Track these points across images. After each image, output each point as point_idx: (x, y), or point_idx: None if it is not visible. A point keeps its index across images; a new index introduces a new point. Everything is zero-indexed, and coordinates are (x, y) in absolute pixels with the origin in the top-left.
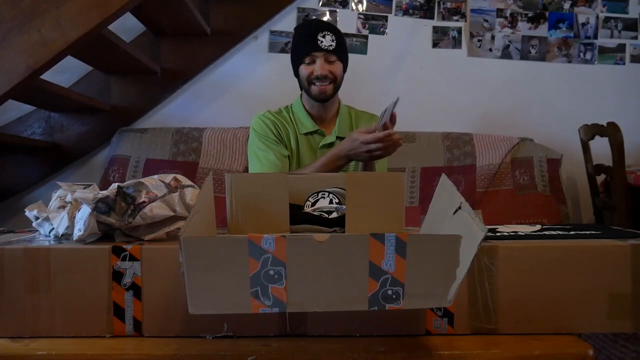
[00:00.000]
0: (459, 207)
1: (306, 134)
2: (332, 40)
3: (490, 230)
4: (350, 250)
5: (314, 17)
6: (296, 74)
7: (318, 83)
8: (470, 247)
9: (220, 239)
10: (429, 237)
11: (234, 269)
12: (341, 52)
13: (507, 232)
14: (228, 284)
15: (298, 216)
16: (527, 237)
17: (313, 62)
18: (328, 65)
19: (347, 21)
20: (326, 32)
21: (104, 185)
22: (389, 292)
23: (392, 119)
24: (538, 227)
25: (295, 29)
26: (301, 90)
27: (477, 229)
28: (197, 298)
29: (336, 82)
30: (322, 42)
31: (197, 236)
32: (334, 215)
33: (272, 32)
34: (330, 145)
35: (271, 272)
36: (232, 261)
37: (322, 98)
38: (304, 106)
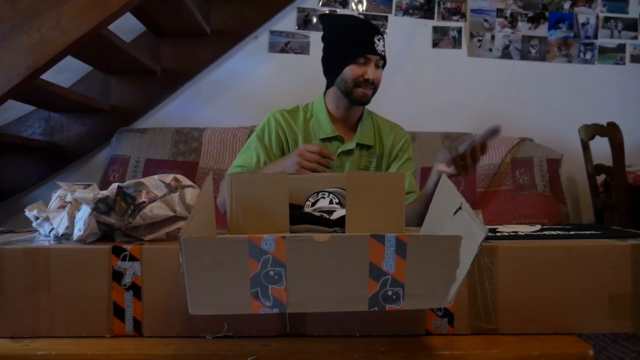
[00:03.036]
0: (459, 208)
1: (324, 139)
2: (384, 46)
3: (490, 230)
4: (351, 251)
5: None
6: (332, 71)
7: (364, 86)
8: (470, 248)
9: (221, 239)
10: (429, 238)
11: (234, 269)
12: (385, 59)
13: (507, 232)
14: (228, 284)
15: (298, 216)
16: (527, 237)
17: (366, 64)
18: (377, 71)
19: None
20: (380, 36)
21: (104, 185)
22: (389, 292)
23: (483, 148)
24: (538, 227)
25: (330, 22)
26: (326, 89)
27: (477, 230)
28: (197, 299)
29: (376, 89)
30: (377, 45)
31: (197, 237)
32: (335, 215)
33: (272, 32)
34: (349, 152)
35: (271, 273)
36: (232, 262)
37: (364, 101)
38: (326, 108)
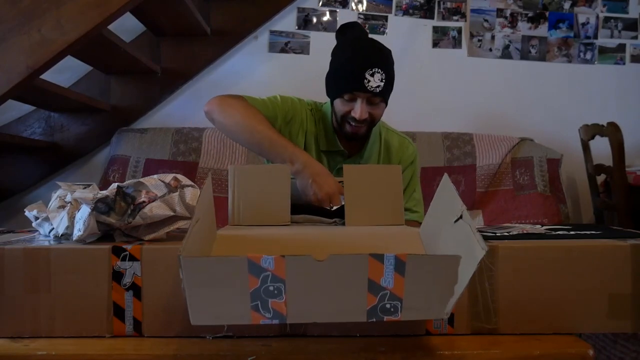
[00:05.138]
0: (460, 217)
1: (326, 152)
2: (381, 80)
3: (499, 228)
4: (350, 269)
5: (362, 34)
6: (329, 97)
7: (353, 123)
8: (469, 265)
9: (220, 259)
10: (428, 258)
11: (234, 285)
12: (387, 92)
13: (512, 232)
14: (229, 298)
15: (298, 207)
16: (527, 237)
17: (353, 100)
18: (369, 107)
19: (347, 21)
20: (376, 70)
21: (103, 185)
22: (387, 305)
23: None
24: (538, 227)
25: (340, 41)
26: (331, 120)
27: (477, 246)
28: (199, 311)
29: (373, 124)
30: (369, 81)
31: (197, 256)
32: (335, 207)
33: (272, 32)
34: None
35: (271, 288)
36: (232, 278)
37: (354, 138)
38: (332, 119)
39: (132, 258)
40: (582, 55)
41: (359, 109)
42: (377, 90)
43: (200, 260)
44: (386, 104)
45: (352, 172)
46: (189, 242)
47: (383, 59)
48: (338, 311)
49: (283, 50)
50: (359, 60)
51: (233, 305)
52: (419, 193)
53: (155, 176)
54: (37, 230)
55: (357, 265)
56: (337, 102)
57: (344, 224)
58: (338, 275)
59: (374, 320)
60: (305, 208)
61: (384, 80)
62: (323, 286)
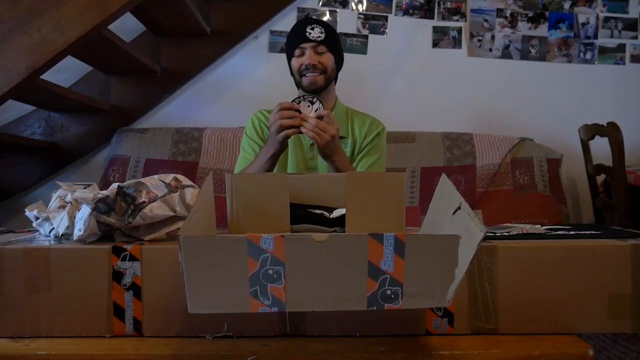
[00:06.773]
0: (459, 207)
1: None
2: (321, 32)
3: (500, 228)
4: (349, 250)
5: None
6: (291, 70)
7: (308, 74)
8: (469, 247)
9: (220, 238)
10: (428, 237)
11: (233, 268)
12: (331, 44)
13: (512, 232)
14: (227, 283)
15: (299, 215)
16: (527, 237)
17: (303, 54)
18: (317, 56)
19: (347, 21)
20: (315, 25)
21: (104, 185)
22: (388, 292)
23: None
24: (538, 227)
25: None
26: (298, 88)
27: (476, 230)
28: (197, 297)
29: (327, 74)
30: (310, 33)
31: (197, 235)
32: (336, 214)
33: (272, 32)
34: None
35: (270, 272)
36: (232, 260)
37: (314, 88)
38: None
39: (132, 258)
40: (582, 55)
41: (307, 56)
42: (319, 39)
43: (200, 240)
44: (336, 58)
45: (354, 181)
46: (189, 226)
47: (322, 21)
48: (338, 298)
49: (283, 50)
50: (300, 22)
51: (232, 290)
52: (382, 165)
53: (155, 176)
54: (38, 230)
55: (357, 246)
56: (292, 63)
57: (344, 232)
58: (338, 256)
59: (374, 308)
60: (304, 218)
61: (324, 33)
62: (323, 269)
